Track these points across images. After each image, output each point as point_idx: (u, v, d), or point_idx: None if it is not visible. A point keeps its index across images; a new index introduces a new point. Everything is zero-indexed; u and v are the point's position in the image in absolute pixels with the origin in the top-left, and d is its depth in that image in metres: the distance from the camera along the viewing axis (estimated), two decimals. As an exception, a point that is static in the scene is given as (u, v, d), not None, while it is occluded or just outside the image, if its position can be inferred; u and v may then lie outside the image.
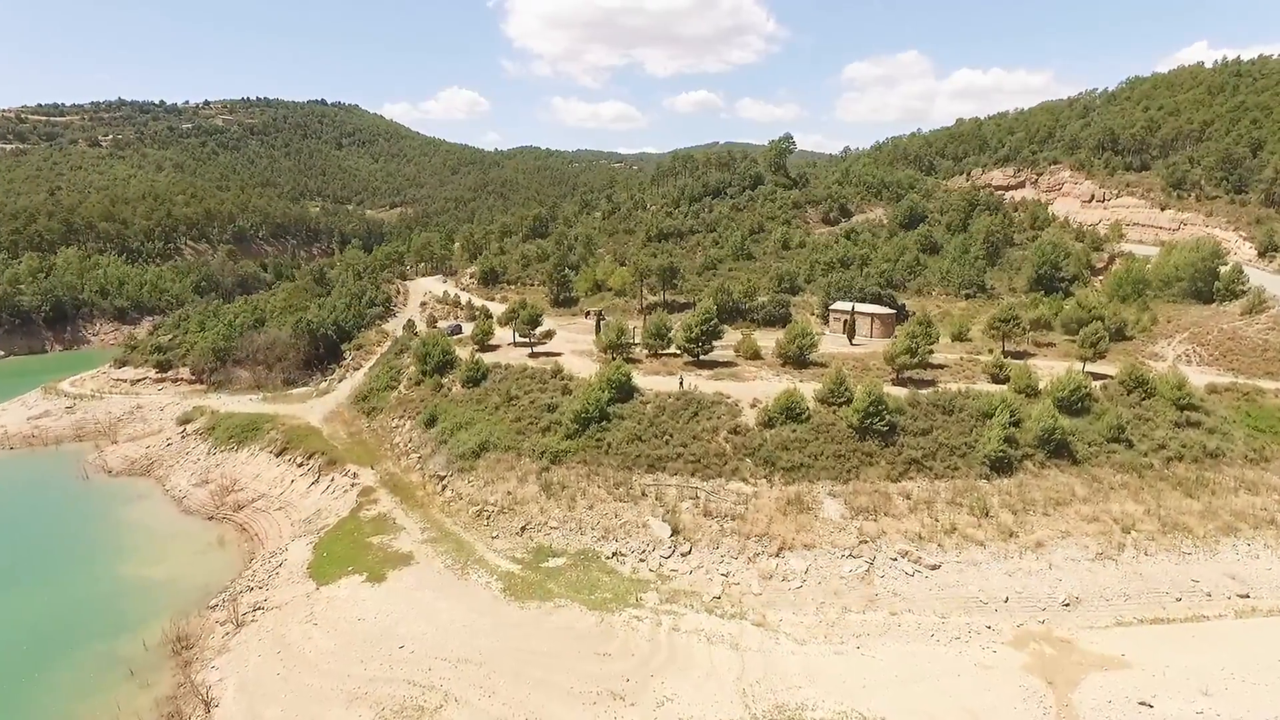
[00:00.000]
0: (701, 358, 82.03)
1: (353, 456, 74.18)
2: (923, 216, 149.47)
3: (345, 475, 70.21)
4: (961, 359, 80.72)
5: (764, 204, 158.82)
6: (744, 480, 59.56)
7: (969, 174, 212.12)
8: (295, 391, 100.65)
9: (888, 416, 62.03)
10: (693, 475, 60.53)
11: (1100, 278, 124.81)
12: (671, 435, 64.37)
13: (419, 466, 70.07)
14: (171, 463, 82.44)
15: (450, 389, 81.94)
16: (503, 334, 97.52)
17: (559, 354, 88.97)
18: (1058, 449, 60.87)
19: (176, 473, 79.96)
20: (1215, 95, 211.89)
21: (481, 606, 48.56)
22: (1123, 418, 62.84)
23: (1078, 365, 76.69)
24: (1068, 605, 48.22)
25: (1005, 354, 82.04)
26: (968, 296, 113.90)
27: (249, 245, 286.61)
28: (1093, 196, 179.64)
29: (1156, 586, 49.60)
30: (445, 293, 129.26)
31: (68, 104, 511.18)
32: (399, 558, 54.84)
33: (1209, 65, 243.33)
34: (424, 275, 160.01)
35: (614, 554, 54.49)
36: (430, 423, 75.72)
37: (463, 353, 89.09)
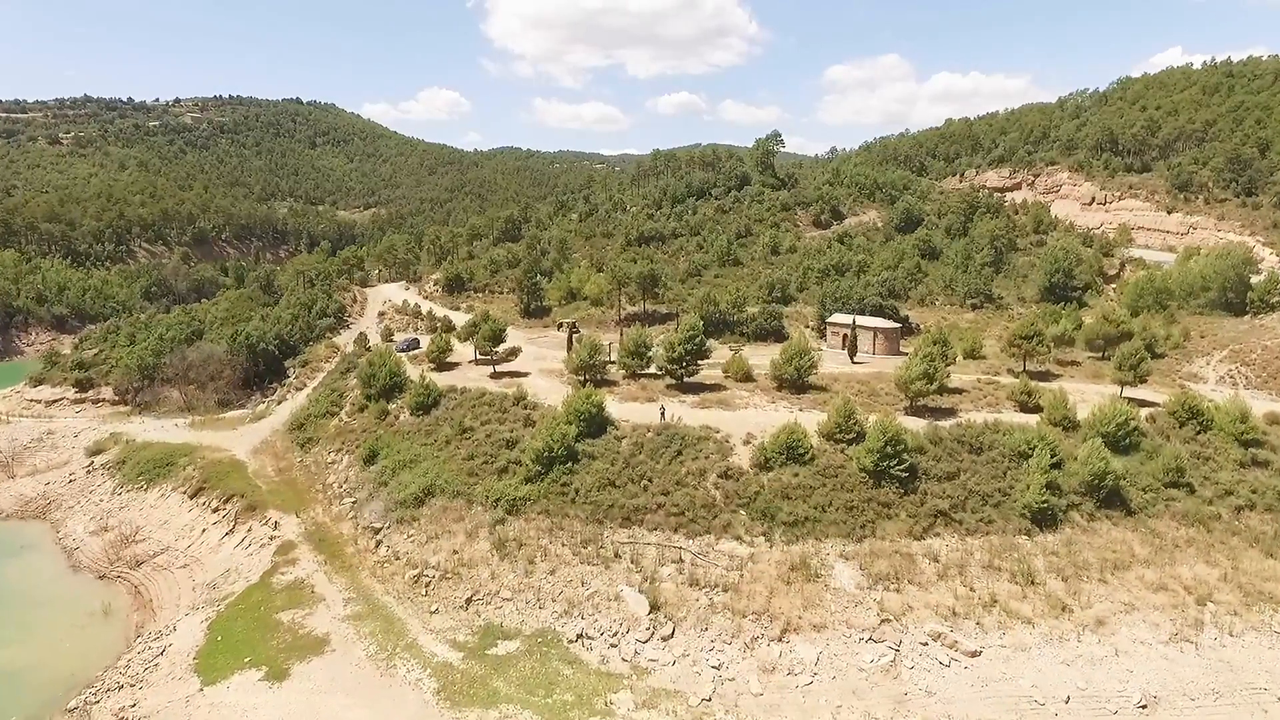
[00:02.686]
0: (686, 380, 71.90)
1: (278, 500, 63.18)
2: (919, 219, 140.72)
3: (265, 525, 59.25)
4: (980, 381, 71.25)
5: (751, 205, 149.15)
6: (738, 538, 49.40)
7: (962, 175, 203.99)
8: (228, 415, 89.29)
9: (906, 458, 52.20)
10: (676, 531, 50.33)
11: (1113, 286, 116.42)
12: (651, 480, 54.11)
13: (352, 514, 59.24)
14: (72, 503, 70.98)
15: (398, 417, 71.22)
16: (464, 350, 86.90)
17: (525, 374, 78.50)
18: (1108, 496, 51.39)
19: (75, 516, 68.53)
20: (1211, 95, 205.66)
21: (407, 718, 38.02)
22: (1181, 457, 53.49)
23: (1112, 389, 67.50)
24: (1145, 707, 38.50)
25: (1025, 374, 72.77)
26: (974, 307, 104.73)
27: (210, 247, 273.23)
28: (1093, 199, 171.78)
29: (1251, 679, 40.00)
30: (404, 302, 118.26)
31: (30, 100, 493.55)
32: (311, 643, 44.07)
33: (1190, 68, 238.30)
34: (387, 281, 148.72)
35: (579, 636, 44.11)
36: (370, 459, 64.94)
37: (416, 373, 78.50)
